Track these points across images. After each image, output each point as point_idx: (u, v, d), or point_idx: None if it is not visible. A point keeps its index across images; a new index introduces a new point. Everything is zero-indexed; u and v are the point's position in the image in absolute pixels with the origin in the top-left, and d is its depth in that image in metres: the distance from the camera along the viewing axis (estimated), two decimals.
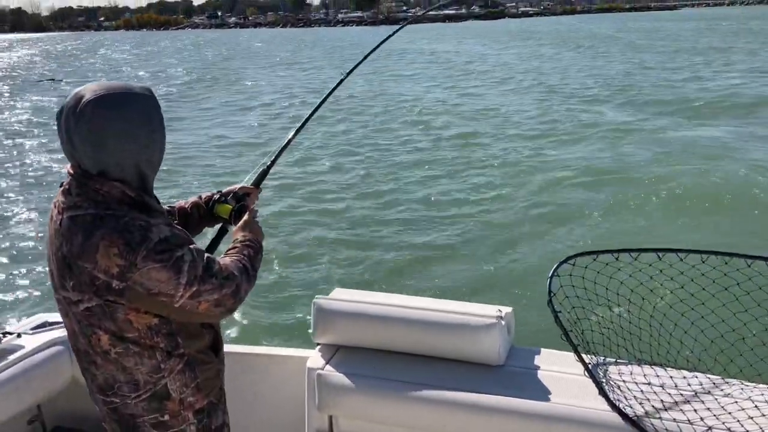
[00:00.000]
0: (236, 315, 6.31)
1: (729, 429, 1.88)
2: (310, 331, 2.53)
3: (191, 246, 1.70)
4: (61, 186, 1.76)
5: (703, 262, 2.23)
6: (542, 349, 2.44)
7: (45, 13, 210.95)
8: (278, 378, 2.69)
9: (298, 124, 2.47)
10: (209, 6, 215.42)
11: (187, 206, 2.18)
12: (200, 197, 2.23)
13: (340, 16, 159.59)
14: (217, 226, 2.21)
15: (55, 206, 1.73)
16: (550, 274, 2.31)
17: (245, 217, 2.07)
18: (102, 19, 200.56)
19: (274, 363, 2.71)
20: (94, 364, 1.74)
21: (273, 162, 2.37)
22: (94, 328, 1.68)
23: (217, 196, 2.19)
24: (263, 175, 2.34)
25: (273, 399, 2.72)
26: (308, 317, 2.58)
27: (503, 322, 2.28)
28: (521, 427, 2.09)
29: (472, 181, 10.52)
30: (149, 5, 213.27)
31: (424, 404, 2.20)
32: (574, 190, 9.81)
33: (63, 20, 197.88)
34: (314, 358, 2.44)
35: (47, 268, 1.79)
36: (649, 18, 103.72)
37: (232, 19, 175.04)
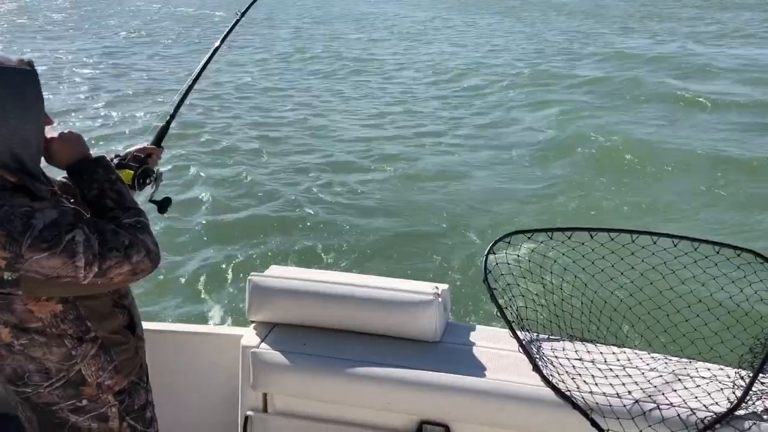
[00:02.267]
0: (169, 292, 6.18)
1: (654, 401, 1.96)
2: (245, 308, 2.49)
3: (82, 223, 1.57)
4: None
5: (633, 241, 2.30)
6: (478, 326, 2.48)
7: None
8: (212, 356, 2.63)
9: (192, 76, 2.31)
10: None
11: None
12: None
13: None
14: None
15: None
16: (485, 252, 2.34)
17: (61, 134, 1.75)
18: None
19: (207, 341, 2.65)
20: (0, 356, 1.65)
21: (172, 117, 2.24)
22: None
23: (116, 161, 2.03)
24: (163, 132, 2.20)
25: (206, 377, 2.67)
26: (243, 295, 2.53)
27: (440, 299, 2.29)
28: (457, 403, 2.12)
29: (407, 158, 10.55)
30: None
31: (360, 381, 2.20)
32: (513, 168, 10.00)
33: None
34: (249, 335, 2.40)
35: None
36: None
37: None
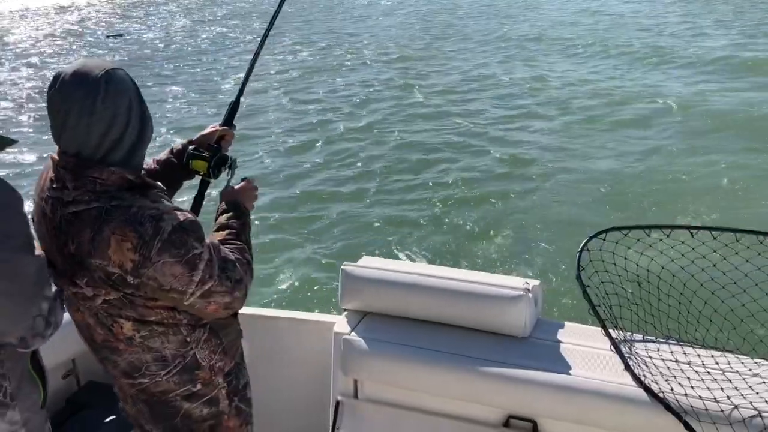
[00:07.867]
0: (264, 279, 6.42)
1: (756, 408, 1.87)
2: (338, 296, 2.56)
3: (207, 242, 1.65)
4: (40, 176, 1.68)
5: (737, 240, 2.20)
6: (569, 323, 2.44)
7: None
8: (306, 342, 2.74)
9: (253, 54, 2.24)
10: None
11: (158, 166, 2.05)
12: (172, 151, 2.08)
13: None
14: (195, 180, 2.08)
15: (44, 201, 1.64)
16: (579, 249, 2.30)
17: (243, 183, 1.95)
18: None
19: (302, 327, 2.75)
20: (116, 351, 1.72)
21: (239, 95, 2.18)
22: (114, 317, 1.66)
23: (190, 149, 2.01)
24: (233, 110, 2.14)
25: (300, 361, 2.77)
26: (335, 284, 2.60)
27: (530, 295, 2.28)
28: (545, 399, 2.11)
29: (502, 153, 10.41)
30: None
31: (448, 372, 2.22)
32: (608, 163, 9.65)
33: None
34: (341, 323, 2.47)
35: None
36: None
37: None
